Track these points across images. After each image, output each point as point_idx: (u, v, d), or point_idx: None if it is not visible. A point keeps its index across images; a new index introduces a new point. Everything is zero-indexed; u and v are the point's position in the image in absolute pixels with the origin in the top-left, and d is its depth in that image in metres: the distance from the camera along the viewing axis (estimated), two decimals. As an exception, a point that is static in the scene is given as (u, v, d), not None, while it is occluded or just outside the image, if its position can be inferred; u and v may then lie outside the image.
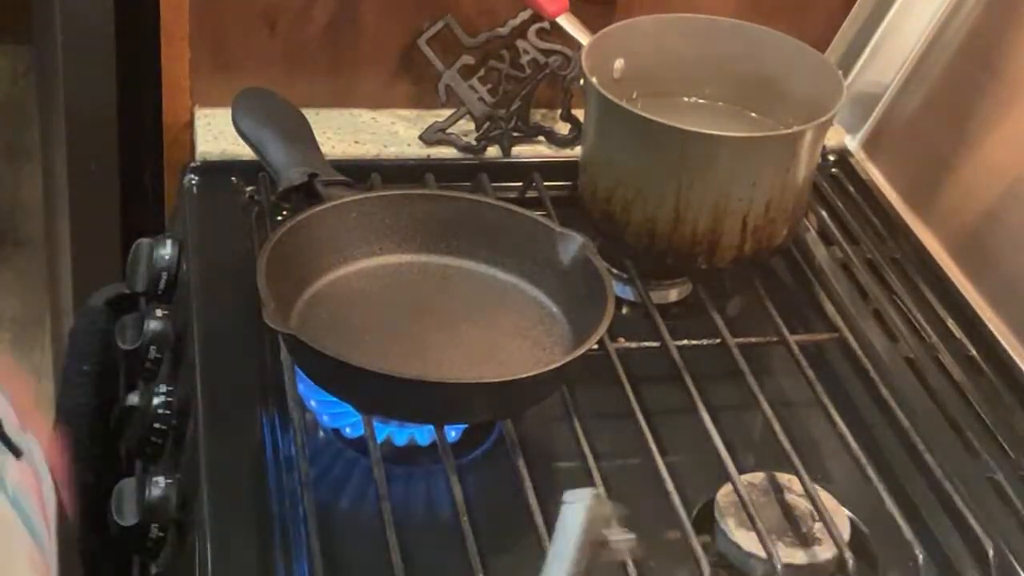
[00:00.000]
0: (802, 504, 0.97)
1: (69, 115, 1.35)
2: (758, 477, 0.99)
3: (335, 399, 0.98)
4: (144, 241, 1.19)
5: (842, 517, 0.96)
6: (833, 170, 1.37)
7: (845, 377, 1.12)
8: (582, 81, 1.16)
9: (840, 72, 1.17)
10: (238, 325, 1.07)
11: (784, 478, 0.99)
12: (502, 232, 1.08)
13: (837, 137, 1.38)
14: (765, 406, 1.03)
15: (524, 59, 1.32)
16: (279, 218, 1.15)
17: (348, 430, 1.01)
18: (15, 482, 0.60)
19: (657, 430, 1.00)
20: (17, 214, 2.76)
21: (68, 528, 0.64)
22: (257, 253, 1.00)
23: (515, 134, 1.32)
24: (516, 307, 1.05)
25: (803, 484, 0.96)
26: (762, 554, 0.92)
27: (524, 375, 0.95)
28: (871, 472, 0.98)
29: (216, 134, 1.29)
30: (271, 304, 0.93)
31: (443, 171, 1.25)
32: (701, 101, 1.25)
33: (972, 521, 0.97)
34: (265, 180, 1.19)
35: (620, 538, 0.73)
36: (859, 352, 1.11)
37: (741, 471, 0.97)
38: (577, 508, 0.72)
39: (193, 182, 1.26)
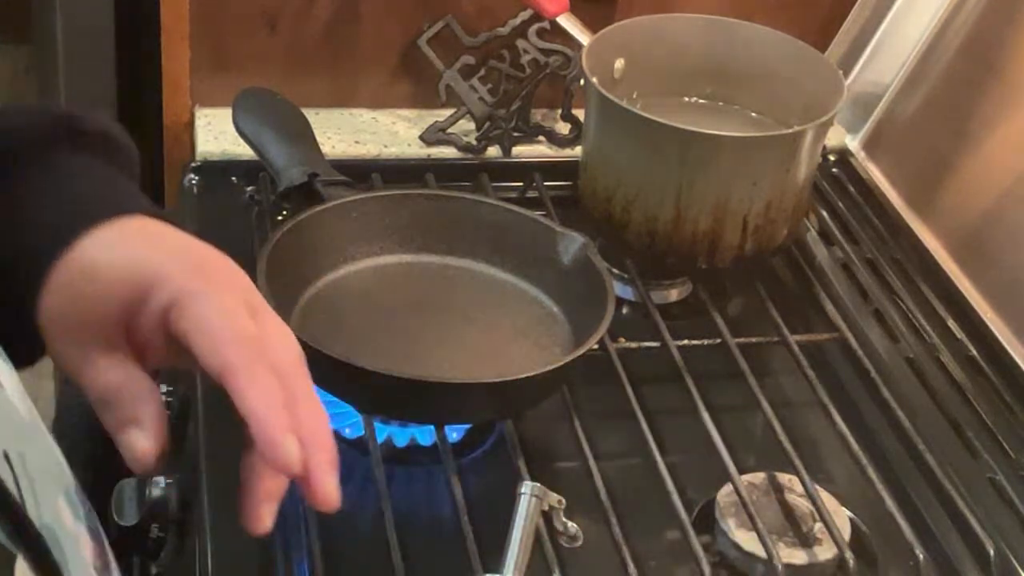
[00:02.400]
0: (802, 504, 0.97)
1: (69, 115, 1.35)
2: (759, 477, 0.99)
3: (335, 399, 0.98)
4: (144, 241, 1.19)
5: (842, 517, 0.96)
6: (833, 170, 1.37)
7: (846, 377, 1.12)
8: (582, 81, 1.16)
9: (840, 72, 1.17)
10: (238, 325, 1.07)
11: (784, 478, 0.99)
12: (502, 232, 1.08)
13: (837, 137, 1.38)
14: (766, 406, 1.03)
15: (524, 59, 1.32)
16: (279, 218, 1.15)
17: (346, 432, 1.01)
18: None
19: (657, 430, 1.00)
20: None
21: None
22: (257, 253, 1.00)
23: (515, 134, 1.32)
24: (516, 307, 1.05)
25: (803, 484, 0.96)
26: (762, 554, 0.92)
27: (524, 375, 0.95)
28: (871, 472, 0.98)
29: (216, 134, 1.29)
30: (271, 304, 0.93)
31: (443, 171, 1.25)
32: (701, 101, 1.25)
33: (972, 521, 0.97)
34: (265, 180, 1.19)
35: (566, 525, 0.86)
36: (859, 352, 1.11)
37: (741, 471, 0.97)
38: (526, 498, 0.83)
39: (193, 182, 1.26)
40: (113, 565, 0.62)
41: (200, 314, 0.62)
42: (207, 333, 0.61)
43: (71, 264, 0.64)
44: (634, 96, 1.22)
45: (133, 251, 0.65)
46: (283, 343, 0.65)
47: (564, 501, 0.88)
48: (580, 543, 0.90)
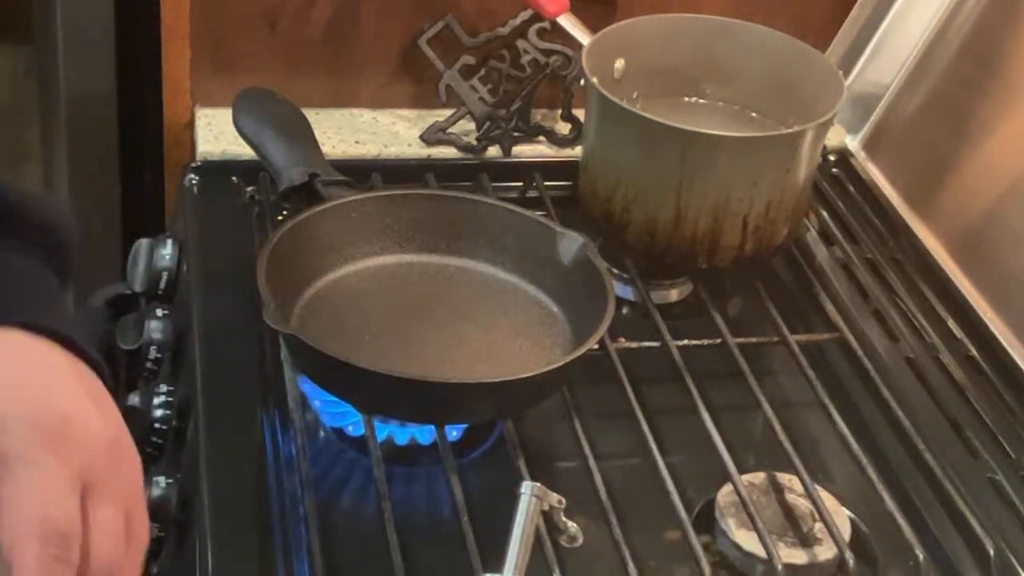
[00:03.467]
0: (802, 504, 0.97)
1: (69, 115, 1.35)
2: (759, 477, 0.99)
3: (335, 399, 0.98)
4: (144, 241, 1.19)
5: (842, 517, 0.96)
6: (833, 170, 1.37)
7: (845, 377, 1.12)
8: (582, 81, 1.16)
9: (840, 72, 1.17)
10: (238, 325, 1.07)
11: (784, 478, 0.99)
12: (502, 232, 1.08)
13: (837, 137, 1.38)
14: (765, 406, 1.03)
15: (524, 59, 1.32)
16: (279, 218, 1.15)
17: (349, 429, 1.01)
18: None
19: (657, 430, 1.00)
20: (17, 214, 2.76)
21: None
22: (257, 253, 1.00)
23: (515, 134, 1.32)
24: (516, 307, 1.06)
25: (803, 484, 0.96)
26: (762, 554, 0.92)
27: (524, 375, 0.95)
28: (871, 472, 0.98)
29: (216, 134, 1.29)
30: (271, 304, 0.93)
31: (444, 171, 1.25)
32: (701, 101, 1.25)
33: (972, 521, 0.97)
34: (265, 180, 1.19)
35: (566, 525, 0.87)
36: (859, 352, 1.11)
37: (741, 471, 0.97)
38: (526, 498, 0.84)
39: (193, 182, 1.26)
40: None
41: (16, 491, 0.57)
42: (14, 516, 0.57)
43: None
44: (634, 96, 1.22)
45: None
46: (106, 538, 0.59)
47: (564, 501, 0.88)
48: (580, 543, 0.90)
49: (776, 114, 1.22)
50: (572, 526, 0.89)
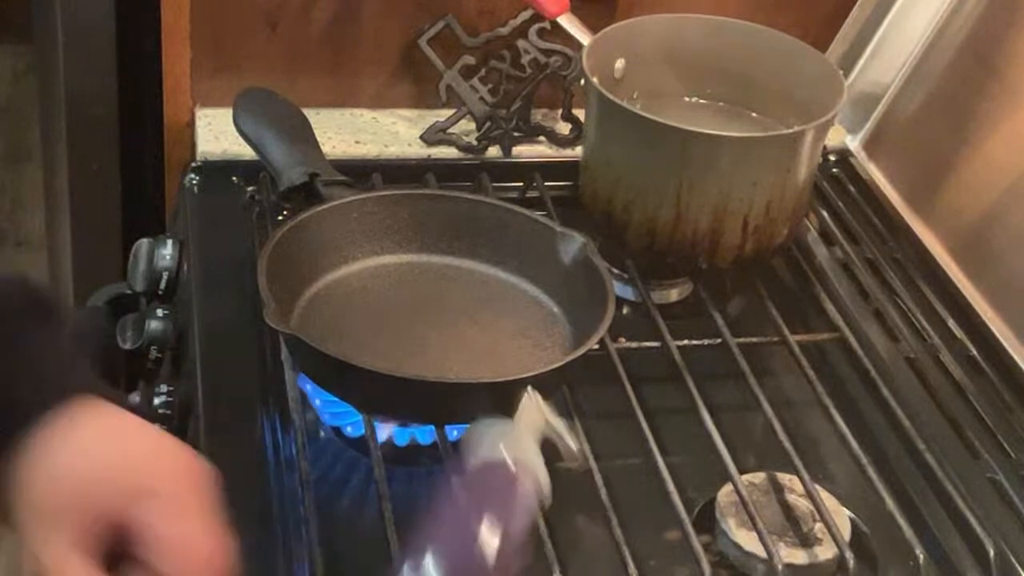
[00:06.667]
0: (803, 504, 0.97)
1: (69, 115, 1.35)
2: (759, 477, 0.99)
3: (335, 399, 0.98)
4: (144, 241, 1.19)
5: (843, 517, 0.96)
6: (834, 170, 1.37)
7: (846, 377, 1.12)
8: (583, 81, 1.16)
9: (841, 72, 1.18)
10: (238, 325, 1.07)
11: (785, 478, 0.99)
12: (503, 232, 1.08)
13: (838, 137, 1.38)
14: (766, 406, 1.03)
15: (525, 59, 1.32)
16: (280, 218, 1.15)
17: (349, 429, 1.01)
18: None
19: (657, 430, 1.00)
20: (17, 214, 2.77)
21: None
22: (258, 253, 1.00)
23: (516, 134, 1.32)
24: (517, 307, 1.06)
25: (804, 484, 0.96)
26: (763, 554, 0.92)
27: (524, 375, 0.95)
28: (872, 472, 0.98)
29: (217, 134, 1.29)
30: (272, 304, 0.93)
31: (444, 171, 1.25)
32: (701, 101, 1.25)
33: (972, 521, 0.97)
34: (266, 180, 1.19)
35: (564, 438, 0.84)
36: (860, 352, 1.11)
37: (742, 471, 0.97)
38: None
39: (194, 182, 1.26)
40: None
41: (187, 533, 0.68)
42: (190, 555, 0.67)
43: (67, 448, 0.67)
44: (634, 96, 1.22)
45: (122, 454, 0.69)
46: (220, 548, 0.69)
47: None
48: (579, 464, 0.90)
49: (776, 114, 1.22)
50: (574, 444, 0.87)
